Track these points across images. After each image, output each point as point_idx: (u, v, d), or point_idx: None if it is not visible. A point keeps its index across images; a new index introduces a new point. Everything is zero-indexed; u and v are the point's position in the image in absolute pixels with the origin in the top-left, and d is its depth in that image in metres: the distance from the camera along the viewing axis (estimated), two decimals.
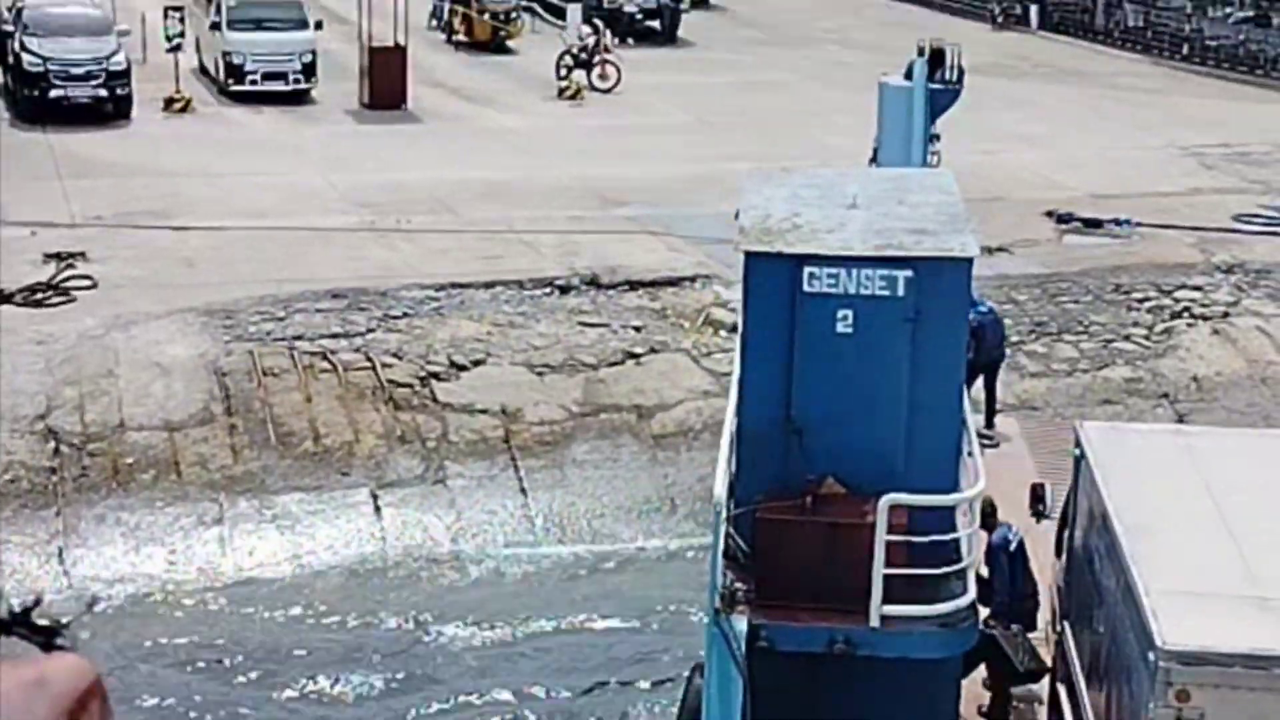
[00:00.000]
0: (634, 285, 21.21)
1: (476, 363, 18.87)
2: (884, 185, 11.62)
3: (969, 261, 10.12)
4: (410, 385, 18.27)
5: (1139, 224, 24.16)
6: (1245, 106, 33.09)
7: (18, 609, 2.29)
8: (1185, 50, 37.72)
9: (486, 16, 36.39)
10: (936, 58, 17.47)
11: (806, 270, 9.89)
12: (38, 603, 2.29)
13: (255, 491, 16.67)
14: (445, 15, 37.76)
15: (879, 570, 9.45)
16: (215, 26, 30.41)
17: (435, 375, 18.51)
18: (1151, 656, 8.15)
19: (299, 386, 17.94)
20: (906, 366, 9.96)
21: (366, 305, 19.80)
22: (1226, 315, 21.39)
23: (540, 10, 39.83)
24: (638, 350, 19.55)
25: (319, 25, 31.02)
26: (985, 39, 40.99)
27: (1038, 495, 11.72)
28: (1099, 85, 34.63)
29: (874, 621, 9.51)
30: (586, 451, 17.81)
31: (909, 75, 17.66)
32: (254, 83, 30.06)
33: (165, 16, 29.29)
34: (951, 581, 9.70)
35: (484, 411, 18.04)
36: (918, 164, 16.36)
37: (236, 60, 30.00)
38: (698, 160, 27.62)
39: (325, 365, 18.32)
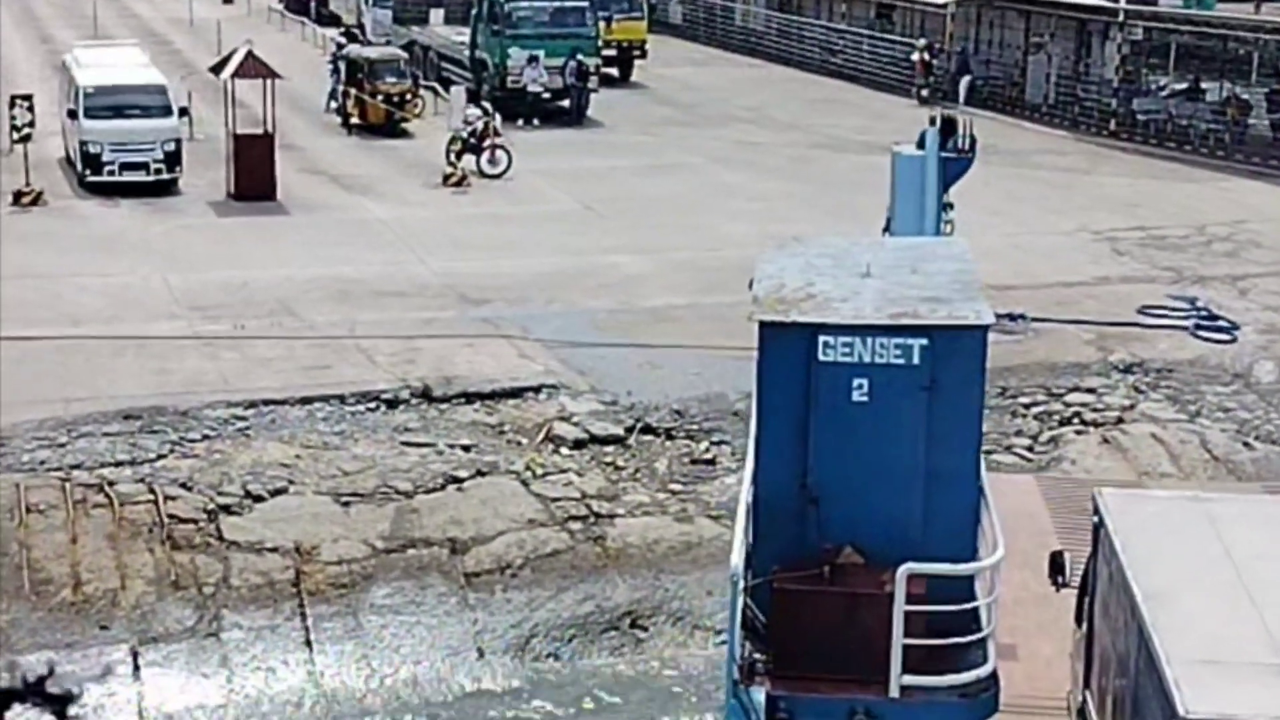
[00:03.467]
0: (470, 397, 19.37)
1: (276, 492, 16.95)
2: (897, 254, 11.62)
3: (984, 329, 10.13)
4: (194, 521, 16.33)
5: (1036, 319, 22.43)
6: (1168, 186, 31.51)
7: (31, 678, 2.65)
8: (1112, 125, 36.21)
9: (380, 99, 34.76)
10: (948, 127, 17.39)
11: (821, 340, 9.98)
12: (51, 672, 2.61)
13: None
14: (340, 97, 36.17)
15: (898, 640, 9.49)
16: (72, 114, 28.71)
17: (225, 508, 16.57)
18: None
19: (66, 525, 16.00)
20: (923, 434, 10.00)
21: (162, 427, 17.91)
22: (1120, 421, 19.61)
23: (442, 91, 38.24)
24: (461, 474, 17.65)
25: (184, 112, 29.33)
26: (907, 115, 39.43)
27: (1057, 564, 11.35)
28: (1016, 164, 33.01)
29: (894, 692, 9.56)
30: (387, 595, 15.85)
31: (921, 144, 17.44)
32: (112, 173, 28.31)
33: (11, 106, 27.59)
34: (971, 651, 9.71)
35: (274, 550, 16.09)
36: (930, 232, 16.45)
37: (94, 150, 28.26)
38: (576, 252, 25.92)
39: (100, 499, 16.40)
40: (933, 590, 9.67)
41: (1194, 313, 22.67)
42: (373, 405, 18.94)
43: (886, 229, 17.26)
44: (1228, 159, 33.45)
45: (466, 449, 18.18)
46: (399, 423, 18.63)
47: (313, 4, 54.51)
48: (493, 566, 16.36)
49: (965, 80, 40.58)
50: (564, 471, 18.03)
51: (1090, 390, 20.31)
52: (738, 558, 9.71)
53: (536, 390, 19.63)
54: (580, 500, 17.45)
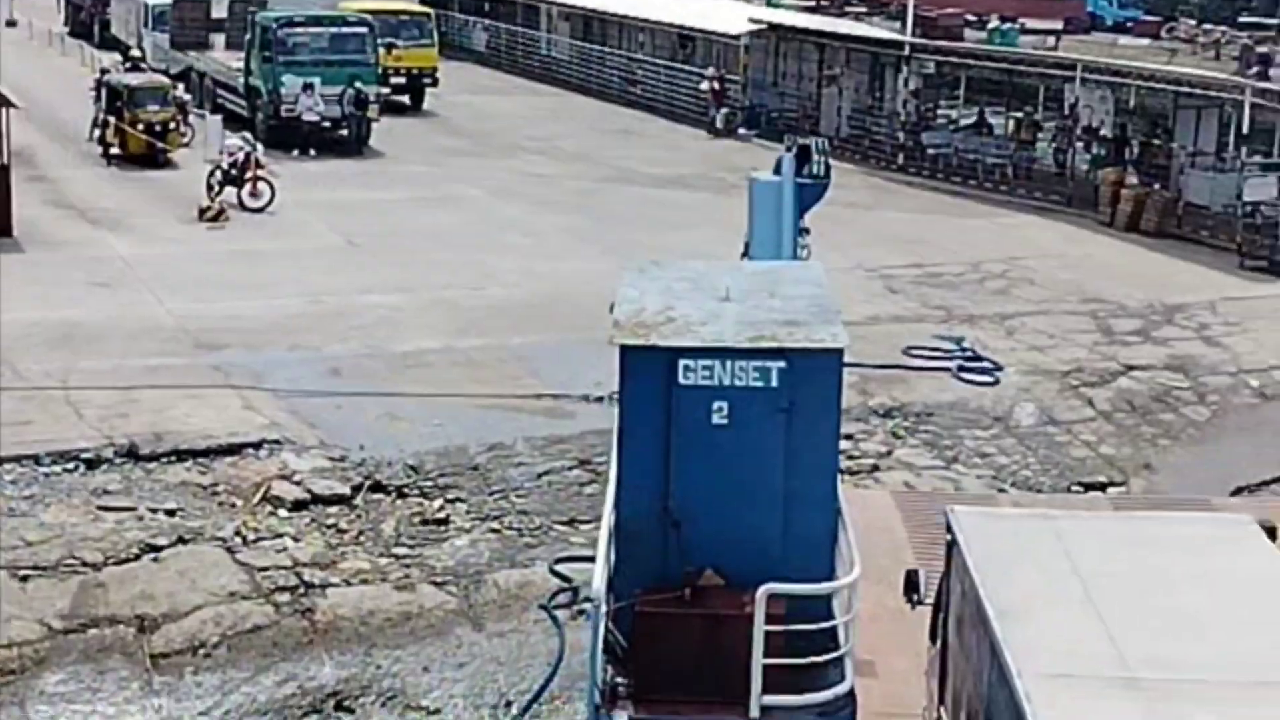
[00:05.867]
0: (183, 455, 17.88)
1: None
2: (756, 278, 11.82)
3: (840, 352, 10.27)
4: None
5: None
6: (950, 221, 31.19)
7: None
8: (900, 160, 35.91)
9: (140, 128, 32.94)
10: (803, 153, 17.65)
11: (681, 363, 10.11)
12: None
13: None
14: (101, 126, 34.25)
15: (758, 661, 9.62)
16: None
17: None
18: None
19: None
20: (781, 456, 10.17)
21: None
22: (875, 469, 18.89)
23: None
24: (160, 542, 16.16)
25: None
26: (698, 147, 38.91)
27: (912, 582, 11.31)
28: None
29: (754, 713, 9.69)
30: (60, 681, 14.28)
31: (778, 170, 17.78)
32: None
33: None
34: (830, 669, 9.87)
35: None
36: (788, 257, 16.84)
37: None
38: (330, 291, 24.54)
39: None
40: (792, 610, 9.79)
41: (959, 353, 22.14)
42: (70, 466, 17.36)
43: (745, 254, 17.60)
44: (1011, 193, 33.31)
45: (171, 513, 16.71)
46: (98, 485, 17.08)
47: (96, 28, 52.22)
48: (184, 646, 14.89)
49: (752, 133, 39.51)
50: (279, 536, 16.66)
51: (848, 436, 19.47)
52: (600, 582, 9.77)
53: (258, 446, 18.22)
54: (291, 569, 16.07)
